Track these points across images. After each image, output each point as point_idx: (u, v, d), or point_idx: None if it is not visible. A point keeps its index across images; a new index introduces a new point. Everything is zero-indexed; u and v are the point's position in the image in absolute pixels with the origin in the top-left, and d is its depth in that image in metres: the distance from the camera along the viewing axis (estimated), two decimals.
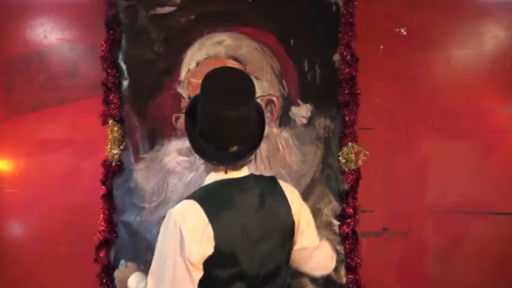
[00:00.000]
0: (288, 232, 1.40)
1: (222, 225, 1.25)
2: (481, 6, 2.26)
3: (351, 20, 2.16)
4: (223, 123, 1.29)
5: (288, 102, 2.16)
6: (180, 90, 2.19)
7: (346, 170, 2.11)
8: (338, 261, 2.09)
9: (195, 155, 1.60)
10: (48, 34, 2.23)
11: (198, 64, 2.19)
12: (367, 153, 2.11)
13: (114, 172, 2.13)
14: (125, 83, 2.19)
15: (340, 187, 2.12)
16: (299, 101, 2.16)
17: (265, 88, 2.17)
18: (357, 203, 2.09)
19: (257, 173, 1.49)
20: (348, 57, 2.14)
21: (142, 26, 2.19)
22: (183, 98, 2.19)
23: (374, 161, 2.11)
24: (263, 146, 2.13)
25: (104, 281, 2.09)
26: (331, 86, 2.16)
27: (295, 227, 1.42)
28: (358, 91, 2.14)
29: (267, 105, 2.15)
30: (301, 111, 2.16)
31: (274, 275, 1.37)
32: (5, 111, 2.20)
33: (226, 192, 1.33)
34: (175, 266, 1.21)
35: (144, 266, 1.96)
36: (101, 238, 2.10)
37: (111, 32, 2.17)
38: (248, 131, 1.36)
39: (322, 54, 2.19)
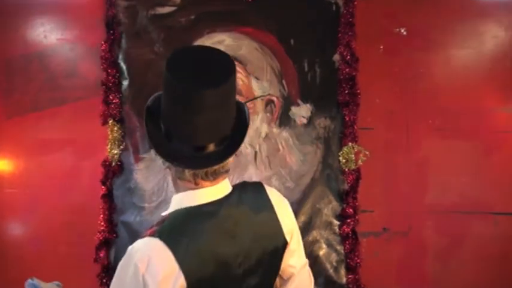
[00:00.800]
0: (278, 256, 1.15)
1: (196, 269, 0.98)
2: (481, 6, 2.26)
3: (351, 20, 2.16)
4: (199, 106, 0.96)
5: (288, 102, 2.16)
6: None
7: (346, 170, 2.11)
8: (338, 261, 2.10)
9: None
10: (48, 34, 2.22)
11: None
12: (367, 153, 2.11)
13: (114, 172, 2.13)
14: (125, 83, 2.19)
15: (340, 187, 2.12)
16: (299, 101, 2.17)
17: (265, 88, 2.17)
18: (357, 203, 2.09)
19: (238, 181, 1.22)
20: (348, 57, 2.15)
21: (142, 26, 2.19)
22: None
23: (374, 161, 2.11)
24: (263, 146, 2.14)
25: (104, 281, 2.10)
26: (331, 86, 2.16)
27: (287, 248, 1.16)
28: (358, 91, 2.14)
29: (267, 105, 2.15)
30: (301, 111, 2.16)
31: None
32: (5, 111, 2.20)
33: (198, 223, 1.02)
34: None
35: None
36: (101, 238, 2.10)
37: (111, 32, 2.17)
38: (229, 123, 1.04)
39: (322, 54, 2.19)
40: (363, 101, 2.14)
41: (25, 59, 2.21)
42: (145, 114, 1.06)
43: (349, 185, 2.11)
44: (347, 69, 2.15)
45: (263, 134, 2.12)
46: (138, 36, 2.19)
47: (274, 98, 2.17)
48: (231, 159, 1.07)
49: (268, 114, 2.15)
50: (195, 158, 1.01)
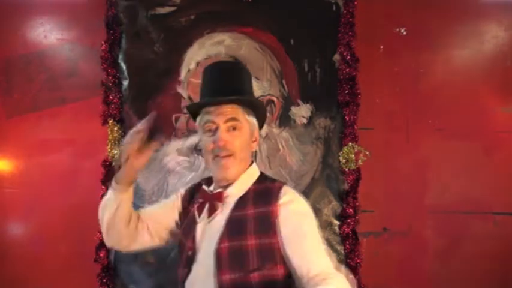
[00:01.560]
0: None
1: None
2: (481, 6, 2.27)
3: (351, 20, 2.17)
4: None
5: (288, 102, 2.17)
6: (180, 90, 2.20)
7: (346, 170, 2.12)
8: (338, 262, 2.10)
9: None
10: (48, 34, 2.24)
11: (198, 64, 2.20)
12: (367, 153, 2.11)
13: (114, 172, 2.10)
14: (125, 83, 2.20)
15: (340, 187, 2.13)
16: (299, 101, 2.17)
17: (265, 88, 2.18)
18: (357, 203, 2.09)
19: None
20: (348, 57, 2.15)
21: (142, 26, 2.21)
22: (183, 98, 2.20)
23: (374, 161, 2.11)
24: (263, 146, 2.14)
25: (104, 281, 2.10)
26: (331, 86, 2.17)
27: None
28: (358, 91, 2.15)
29: (267, 105, 2.16)
30: (301, 111, 2.16)
31: None
32: (5, 111, 2.21)
33: None
34: None
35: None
36: (101, 238, 2.05)
37: (111, 32, 2.18)
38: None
39: (322, 54, 2.20)
40: (363, 101, 2.15)
41: (25, 59, 2.22)
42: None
43: (349, 185, 2.11)
44: (347, 69, 2.16)
45: (263, 134, 2.13)
46: (138, 36, 2.21)
47: (274, 98, 2.18)
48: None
49: (268, 114, 2.15)
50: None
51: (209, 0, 2.21)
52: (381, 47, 2.22)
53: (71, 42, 2.24)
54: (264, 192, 1.21)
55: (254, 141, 1.28)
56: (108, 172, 2.13)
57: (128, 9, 2.21)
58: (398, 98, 2.21)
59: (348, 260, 2.08)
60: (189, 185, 1.42)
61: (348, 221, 2.09)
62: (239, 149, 1.21)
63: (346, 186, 2.12)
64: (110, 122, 2.16)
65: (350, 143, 2.13)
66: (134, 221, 1.30)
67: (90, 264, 2.10)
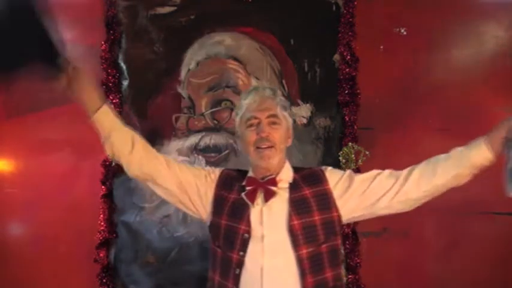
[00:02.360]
0: None
1: None
2: (481, 6, 2.28)
3: (351, 20, 2.18)
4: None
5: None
6: (180, 90, 2.21)
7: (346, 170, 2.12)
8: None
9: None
10: None
11: (198, 64, 2.22)
12: (367, 153, 2.12)
13: (114, 172, 2.14)
14: (125, 83, 2.21)
15: None
16: (299, 101, 2.18)
17: None
18: None
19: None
20: (348, 57, 2.17)
21: (142, 26, 2.22)
22: (183, 98, 2.21)
23: (374, 161, 2.11)
24: None
25: (104, 281, 2.12)
26: (331, 86, 2.19)
27: None
28: (358, 91, 2.16)
29: None
30: (301, 111, 2.17)
31: None
32: (5, 111, 2.20)
33: None
34: None
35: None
36: (101, 238, 2.12)
37: (111, 32, 2.19)
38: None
39: (322, 54, 2.22)
40: (362, 101, 2.16)
41: None
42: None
43: None
44: (347, 69, 2.17)
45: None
46: (138, 36, 2.22)
47: None
48: None
49: None
50: None
51: (209, 1, 2.22)
52: (381, 47, 2.23)
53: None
54: (310, 175, 1.41)
55: (289, 136, 1.45)
56: (108, 172, 2.13)
57: (128, 9, 2.22)
58: (398, 98, 2.21)
59: (348, 260, 2.09)
60: (216, 168, 1.51)
61: None
62: (279, 141, 1.37)
63: None
64: None
65: (350, 143, 2.15)
66: (139, 149, 1.39)
67: (90, 264, 2.11)
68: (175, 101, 2.21)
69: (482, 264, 2.13)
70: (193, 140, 2.20)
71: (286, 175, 1.40)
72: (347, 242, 2.09)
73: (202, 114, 2.21)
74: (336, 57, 2.20)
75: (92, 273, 2.11)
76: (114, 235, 2.15)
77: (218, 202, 1.42)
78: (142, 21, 2.22)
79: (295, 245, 1.29)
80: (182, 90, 2.21)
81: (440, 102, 2.20)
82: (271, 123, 1.37)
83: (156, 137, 2.17)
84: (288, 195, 1.36)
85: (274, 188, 1.36)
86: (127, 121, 2.13)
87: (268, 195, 1.35)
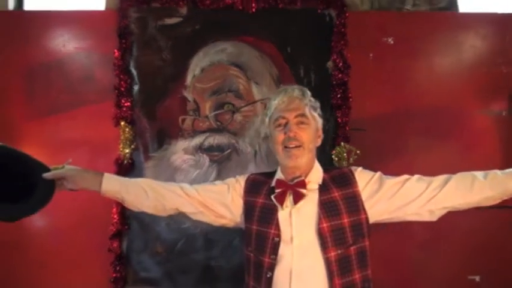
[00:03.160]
0: None
1: None
2: (460, 18, 2.39)
3: (343, 30, 2.27)
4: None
5: None
6: (186, 94, 2.29)
7: None
8: None
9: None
10: (67, 44, 2.32)
11: (202, 70, 2.29)
12: (358, 152, 2.21)
13: (125, 169, 2.23)
14: (136, 87, 2.29)
15: None
16: None
17: (264, 93, 2.28)
18: None
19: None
20: (341, 64, 2.26)
21: (151, 35, 2.30)
22: (189, 101, 2.29)
23: (365, 160, 2.15)
24: (262, 146, 2.25)
25: (117, 268, 2.21)
26: (325, 90, 2.26)
27: None
28: (350, 95, 2.25)
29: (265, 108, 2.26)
30: None
31: None
32: (26, 114, 2.28)
33: None
34: None
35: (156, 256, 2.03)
36: (114, 230, 2.20)
37: (123, 41, 2.28)
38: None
39: (316, 61, 2.30)
40: (354, 104, 2.25)
41: (46, 66, 2.29)
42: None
43: None
44: (339, 75, 2.26)
45: (262, 135, 2.20)
46: (147, 44, 2.30)
47: None
48: None
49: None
50: None
51: (213, 12, 2.29)
52: (371, 54, 2.31)
53: (87, 50, 2.31)
54: (340, 176, 1.37)
55: (319, 136, 1.40)
56: (120, 169, 2.21)
57: (139, 20, 2.30)
58: (386, 101, 2.29)
59: None
60: (241, 176, 1.48)
61: None
62: (307, 140, 1.33)
63: None
64: (122, 123, 2.25)
65: (342, 143, 2.23)
66: (153, 192, 1.39)
67: (104, 254, 2.19)
68: (181, 104, 2.28)
69: (470, 257, 2.21)
70: (198, 140, 2.27)
71: (315, 176, 1.36)
72: None
73: (207, 116, 2.28)
74: (330, 64, 2.28)
75: (106, 262, 2.19)
76: (126, 227, 2.23)
77: (248, 209, 1.39)
78: (152, 31, 2.29)
79: (324, 247, 1.26)
80: (188, 94, 2.28)
81: (424, 105, 2.27)
82: (299, 122, 1.33)
83: (164, 137, 2.27)
84: (317, 197, 1.32)
85: (303, 191, 1.31)
86: (138, 122, 2.24)
87: (298, 197, 1.31)
